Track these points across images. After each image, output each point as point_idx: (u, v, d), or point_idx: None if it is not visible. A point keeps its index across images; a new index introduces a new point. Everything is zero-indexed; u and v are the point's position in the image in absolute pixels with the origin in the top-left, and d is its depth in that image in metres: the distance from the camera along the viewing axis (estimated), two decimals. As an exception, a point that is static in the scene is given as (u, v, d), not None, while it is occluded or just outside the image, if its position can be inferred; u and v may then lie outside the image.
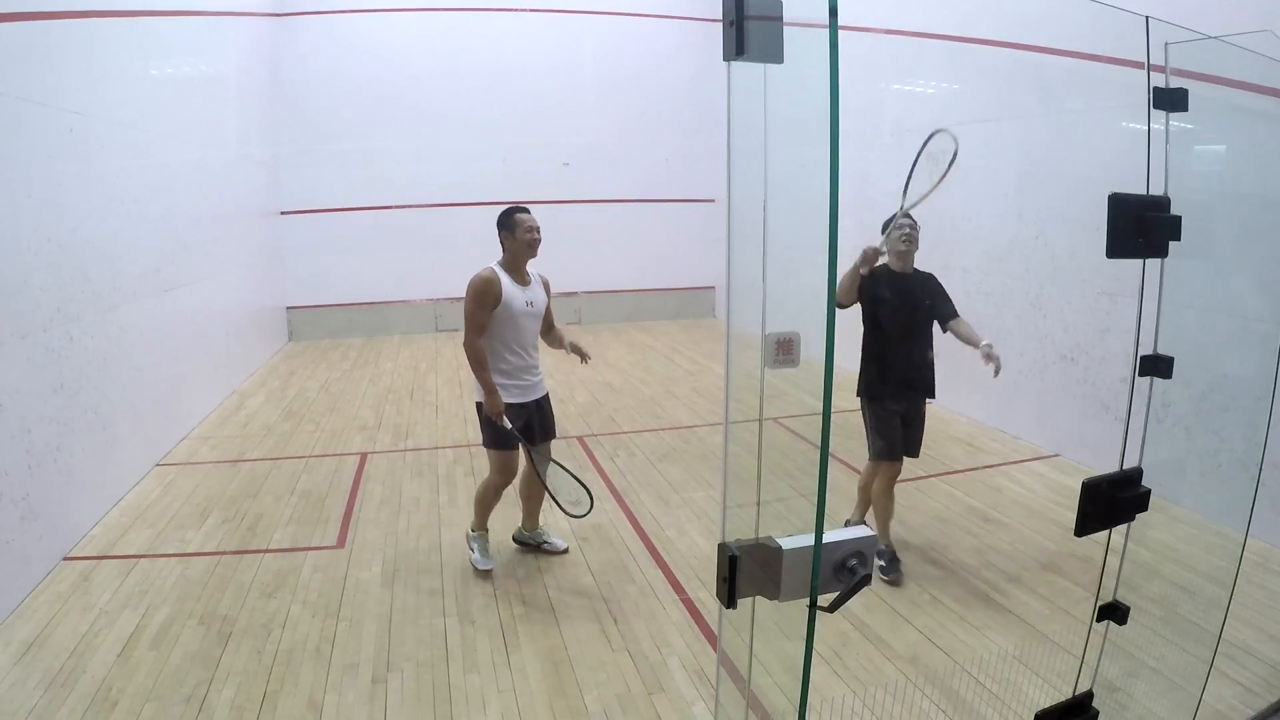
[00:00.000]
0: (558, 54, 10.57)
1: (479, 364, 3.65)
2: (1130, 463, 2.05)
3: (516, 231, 3.66)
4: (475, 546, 3.96)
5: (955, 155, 3.44)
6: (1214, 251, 2.63)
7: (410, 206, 10.40)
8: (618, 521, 4.49)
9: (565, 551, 4.08)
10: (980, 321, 3.96)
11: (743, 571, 1.31)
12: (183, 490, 4.99)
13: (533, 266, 3.83)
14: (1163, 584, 3.38)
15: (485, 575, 3.87)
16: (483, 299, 3.62)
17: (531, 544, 4.12)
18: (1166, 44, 1.96)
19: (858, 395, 3.84)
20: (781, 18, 1.20)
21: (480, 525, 3.98)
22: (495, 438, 3.75)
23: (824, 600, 1.31)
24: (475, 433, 6.18)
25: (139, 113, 5.48)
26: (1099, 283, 5.07)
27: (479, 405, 3.77)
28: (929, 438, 4.00)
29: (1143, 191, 1.96)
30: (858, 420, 3.93)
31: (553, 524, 4.26)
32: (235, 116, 8.23)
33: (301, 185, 10.02)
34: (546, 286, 3.88)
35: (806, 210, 1.31)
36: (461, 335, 3.76)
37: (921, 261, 3.83)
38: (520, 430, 3.72)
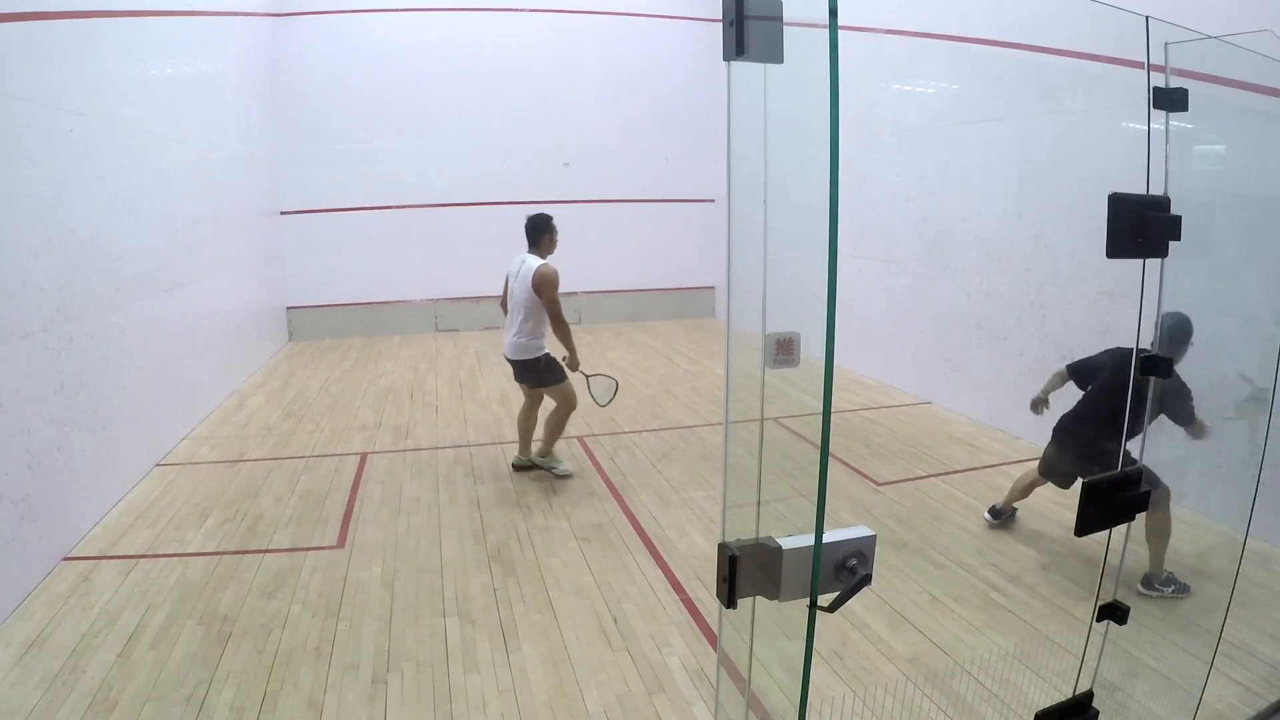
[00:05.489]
0: (558, 54, 10.57)
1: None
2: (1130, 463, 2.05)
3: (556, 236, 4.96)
4: (558, 466, 5.18)
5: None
6: (1214, 251, 2.63)
7: (410, 206, 10.40)
8: (618, 521, 4.49)
9: (570, 475, 5.11)
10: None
11: (743, 571, 1.30)
12: (183, 490, 4.99)
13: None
14: (1163, 584, 3.38)
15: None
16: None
17: (528, 465, 5.21)
18: (1166, 44, 1.95)
19: None
20: (781, 18, 1.20)
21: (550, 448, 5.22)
22: (562, 372, 4.98)
23: (824, 600, 1.31)
24: (476, 432, 6.27)
25: (139, 113, 5.47)
26: (1099, 283, 5.07)
27: (543, 358, 4.93)
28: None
29: (1143, 191, 1.95)
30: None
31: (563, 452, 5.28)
32: (235, 116, 8.22)
33: (301, 185, 10.01)
34: None
35: (806, 210, 1.31)
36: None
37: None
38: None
